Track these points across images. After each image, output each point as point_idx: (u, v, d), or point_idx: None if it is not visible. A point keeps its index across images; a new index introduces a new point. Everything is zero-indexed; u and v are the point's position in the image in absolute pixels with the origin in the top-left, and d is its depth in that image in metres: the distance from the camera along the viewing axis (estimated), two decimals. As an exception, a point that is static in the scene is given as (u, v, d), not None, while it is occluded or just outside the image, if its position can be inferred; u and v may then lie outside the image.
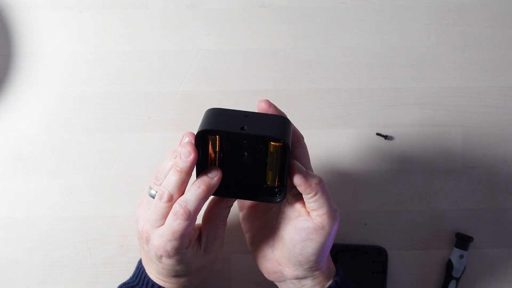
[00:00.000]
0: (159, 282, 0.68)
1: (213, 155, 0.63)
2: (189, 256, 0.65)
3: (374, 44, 0.82)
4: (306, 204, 0.63)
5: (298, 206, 0.64)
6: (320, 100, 0.82)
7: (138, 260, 0.75)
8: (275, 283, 0.70)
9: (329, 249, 0.65)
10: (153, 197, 0.65)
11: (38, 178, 0.80)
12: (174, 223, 0.61)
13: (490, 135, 0.82)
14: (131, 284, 0.70)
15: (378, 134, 0.82)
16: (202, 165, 0.63)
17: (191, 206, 0.61)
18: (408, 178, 0.82)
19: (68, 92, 0.81)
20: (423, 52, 0.83)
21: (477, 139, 0.82)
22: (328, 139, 0.82)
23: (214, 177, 0.62)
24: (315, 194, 0.62)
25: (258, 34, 0.82)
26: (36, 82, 0.80)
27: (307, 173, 0.61)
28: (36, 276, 0.80)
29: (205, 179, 0.62)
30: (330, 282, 0.67)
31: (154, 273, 0.68)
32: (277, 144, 0.60)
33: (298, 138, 0.65)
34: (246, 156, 0.63)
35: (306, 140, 0.66)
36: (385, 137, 0.82)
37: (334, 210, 0.64)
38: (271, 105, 0.64)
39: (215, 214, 0.67)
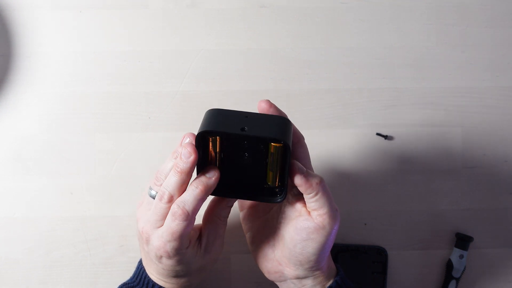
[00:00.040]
0: (159, 282, 0.68)
1: (213, 155, 0.63)
2: (189, 256, 0.65)
3: (374, 44, 0.82)
4: (307, 204, 0.63)
5: (298, 206, 0.64)
6: (320, 100, 0.82)
7: (138, 260, 0.75)
8: (275, 283, 0.70)
9: (329, 249, 0.65)
10: (153, 198, 0.65)
11: (38, 178, 0.80)
12: (173, 223, 0.61)
13: (490, 135, 0.82)
14: (132, 284, 0.70)
15: (378, 134, 0.82)
16: (202, 165, 0.63)
17: (189, 206, 0.61)
18: (408, 178, 0.82)
19: (68, 92, 0.81)
20: (423, 52, 0.83)
21: (477, 139, 0.82)
22: (328, 139, 0.82)
23: (212, 177, 0.62)
24: (316, 194, 0.62)
25: (258, 34, 0.82)
26: (36, 82, 0.80)
27: (307, 173, 0.61)
28: (36, 276, 0.80)
29: (203, 179, 0.62)
30: (330, 282, 0.67)
31: (154, 274, 0.68)
32: (277, 145, 0.60)
33: (298, 139, 0.65)
34: (247, 156, 0.63)
35: (306, 140, 0.66)
36: (385, 137, 0.82)
37: (334, 210, 0.64)
38: (271, 105, 0.64)
39: (216, 214, 0.67)
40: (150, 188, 0.66)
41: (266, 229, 0.69)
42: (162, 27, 0.81)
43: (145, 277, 0.68)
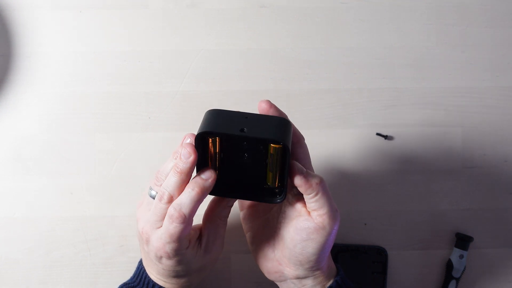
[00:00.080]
0: (159, 282, 0.68)
1: (213, 156, 0.63)
2: (189, 256, 0.65)
3: (374, 44, 0.82)
4: (307, 204, 0.63)
5: (298, 206, 0.64)
6: (320, 100, 0.82)
7: (138, 260, 0.75)
8: (275, 282, 0.70)
9: (329, 249, 0.65)
10: (154, 198, 0.65)
11: (38, 178, 0.80)
12: (171, 226, 0.61)
13: (490, 135, 0.82)
14: (132, 284, 0.70)
15: (378, 134, 0.82)
16: (202, 166, 0.63)
17: (185, 209, 0.61)
18: (408, 178, 0.82)
19: (68, 92, 0.81)
20: (423, 52, 0.83)
21: (477, 139, 0.82)
22: (328, 139, 0.82)
23: (208, 179, 0.62)
24: (316, 194, 0.62)
25: (258, 34, 0.82)
26: (36, 82, 0.80)
27: (307, 174, 0.61)
28: (36, 276, 0.80)
29: (198, 181, 0.62)
30: (330, 282, 0.67)
31: (154, 274, 0.68)
32: (276, 146, 0.60)
33: (298, 139, 0.65)
34: (247, 157, 0.63)
35: (306, 140, 0.66)
36: (385, 137, 0.82)
37: (334, 210, 0.64)
38: (271, 105, 0.64)
39: (216, 214, 0.67)
40: (150, 189, 0.66)
41: (266, 229, 0.69)
42: (162, 27, 0.81)
43: (145, 277, 0.69)
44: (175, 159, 0.64)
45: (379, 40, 0.82)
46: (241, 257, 0.80)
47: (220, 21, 0.82)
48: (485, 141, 0.82)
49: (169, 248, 0.62)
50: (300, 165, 0.62)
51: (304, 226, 0.63)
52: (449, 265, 0.81)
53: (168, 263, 0.64)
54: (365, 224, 0.81)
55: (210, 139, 0.61)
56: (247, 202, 0.71)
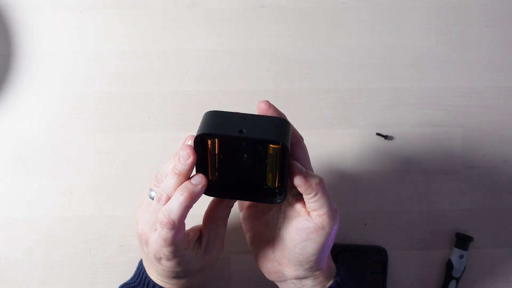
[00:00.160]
0: (160, 283, 0.68)
1: (212, 157, 0.62)
2: (189, 257, 0.65)
3: (374, 44, 0.82)
4: (307, 204, 0.63)
5: (298, 206, 0.64)
6: (320, 100, 0.82)
7: (138, 260, 0.75)
8: (275, 283, 0.70)
9: (329, 249, 0.65)
10: (153, 199, 0.65)
11: (38, 178, 0.80)
12: (162, 231, 0.61)
13: (490, 135, 0.82)
14: (132, 284, 0.70)
15: (378, 134, 0.82)
16: (201, 167, 0.63)
17: (174, 215, 0.60)
18: (408, 178, 0.82)
19: (68, 92, 0.81)
20: (423, 52, 0.83)
21: (477, 139, 0.82)
22: (328, 139, 0.82)
23: (198, 184, 0.61)
24: (316, 194, 0.62)
25: (258, 34, 0.82)
26: (36, 82, 0.80)
27: (307, 174, 0.61)
28: (36, 276, 0.80)
29: (188, 186, 0.61)
30: (330, 282, 0.67)
31: (154, 274, 0.68)
32: (276, 146, 0.60)
33: (297, 139, 0.65)
34: (246, 157, 0.63)
35: (306, 140, 0.66)
36: (385, 137, 0.82)
37: (334, 210, 0.64)
38: (270, 106, 0.64)
39: (216, 215, 0.67)
40: (150, 190, 0.66)
41: (266, 229, 0.69)
42: (162, 27, 0.81)
43: (145, 278, 0.69)
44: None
45: (379, 40, 0.82)
46: (241, 257, 0.80)
47: (220, 21, 0.82)
48: (485, 141, 0.82)
49: (166, 251, 0.62)
50: (299, 165, 0.62)
51: (304, 226, 0.63)
52: (449, 265, 0.81)
53: (167, 264, 0.64)
54: (365, 224, 0.81)
55: (209, 141, 0.61)
56: (246, 203, 0.71)
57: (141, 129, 0.81)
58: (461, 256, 0.80)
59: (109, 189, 0.80)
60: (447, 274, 0.81)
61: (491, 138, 0.82)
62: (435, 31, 0.83)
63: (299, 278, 0.66)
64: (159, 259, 0.64)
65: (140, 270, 0.70)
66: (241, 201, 0.71)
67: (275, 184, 0.63)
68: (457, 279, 0.80)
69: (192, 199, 0.61)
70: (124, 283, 0.71)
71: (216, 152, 0.62)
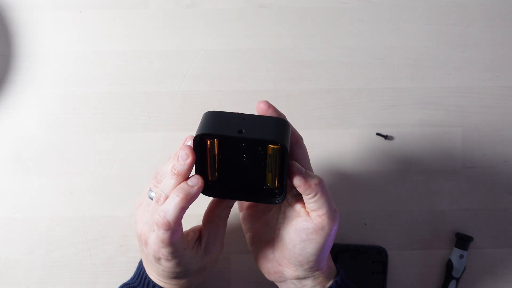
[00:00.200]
0: (159, 283, 0.68)
1: (212, 158, 0.62)
2: (188, 257, 0.65)
3: (374, 44, 0.82)
4: (306, 205, 0.63)
5: (298, 206, 0.64)
6: (320, 100, 0.82)
7: (138, 260, 0.75)
8: (275, 283, 0.70)
9: (329, 249, 0.65)
10: (152, 199, 0.65)
11: (38, 178, 0.80)
12: (159, 232, 0.61)
13: (490, 135, 0.82)
14: (132, 284, 0.70)
15: (378, 134, 0.82)
16: (201, 168, 0.63)
17: (170, 216, 0.60)
18: (408, 178, 0.82)
19: (68, 92, 0.81)
20: (423, 52, 0.82)
21: (477, 139, 0.82)
22: (328, 139, 0.82)
23: (194, 185, 0.61)
24: (315, 195, 0.62)
25: (258, 34, 0.82)
26: (36, 82, 0.80)
27: (306, 174, 0.61)
28: (36, 276, 0.80)
29: (184, 187, 0.61)
30: (330, 282, 0.67)
31: (154, 275, 0.68)
32: (275, 146, 0.60)
33: (297, 140, 0.65)
34: (245, 158, 0.63)
35: (306, 140, 0.66)
36: (385, 137, 0.82)
37: (333, 210, 0.64)
38: (270, 106, 0.64)
39: (216, 215, 0.67)
40: (150, 190, 0.66)
41: (266, 229, 0.69)
42: (162, 27, 0.81)
43: (145, 278, 0.69)
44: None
45: (379, 40, 0.82)
46: (241, 258, 0.80)
47: (220, 21, 0.82)
48: (485, 141, 0.82)
49: (165, 251, 0.62)
50: (299, 165, 0.62)
51: (303, 226, 0.63)
52: (449, 265, 0.81)
53: (167, 264, 0.64)
54: (365, 224, 0.81)
55: (208, 141, 0.61)
56: (246, 203, 0.71)
57: (141, 129, 0.81)
58: (461, 256, 0.80)
59: (109, 189, 0.80)
60: (447, 274, 0.81)
61: (491, 138, 0.82)
62: (435, 31, 0.83)
63: (299, 278, 0.66)
64: (158, 260, 0.64)
65: (140, 270, 0.70)
66: (241, 201, 0.71)
67: (275, 185, 0.63)
68: (457, 279, 0.80)
69: (187, 201, 0.60)
70: (124, 283, 0.71)
71: (216, 152, 0.62)
